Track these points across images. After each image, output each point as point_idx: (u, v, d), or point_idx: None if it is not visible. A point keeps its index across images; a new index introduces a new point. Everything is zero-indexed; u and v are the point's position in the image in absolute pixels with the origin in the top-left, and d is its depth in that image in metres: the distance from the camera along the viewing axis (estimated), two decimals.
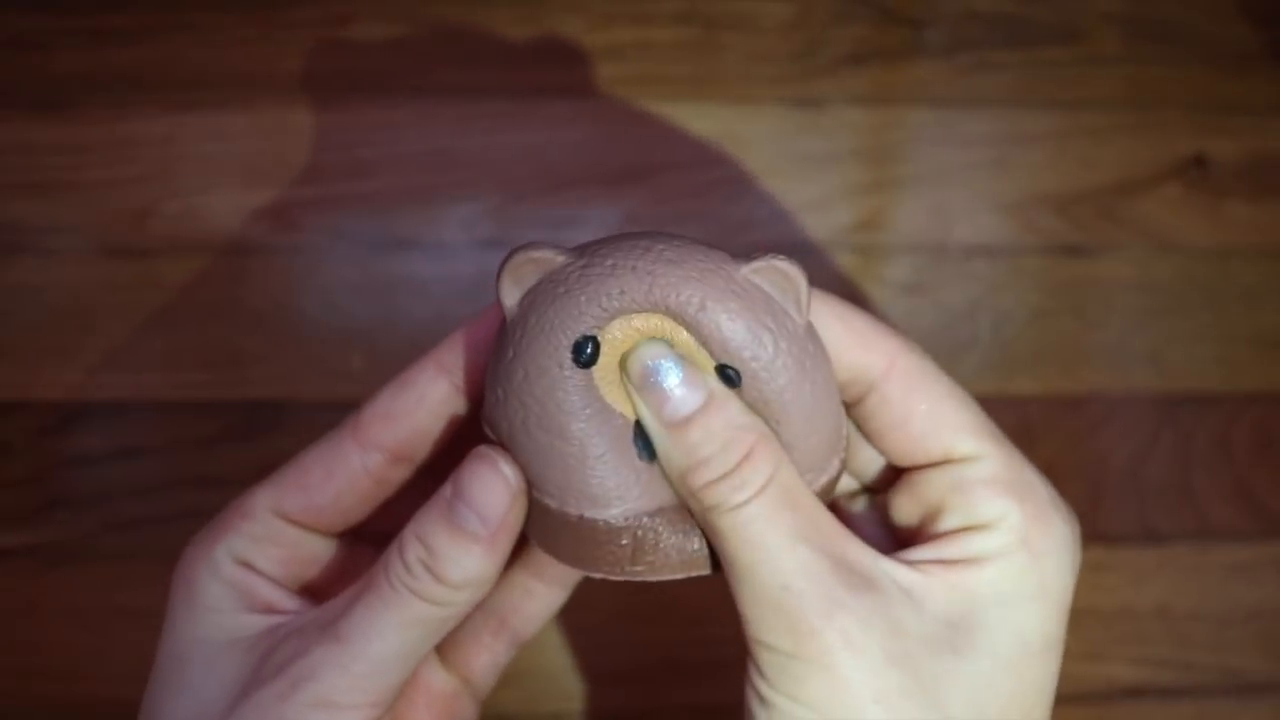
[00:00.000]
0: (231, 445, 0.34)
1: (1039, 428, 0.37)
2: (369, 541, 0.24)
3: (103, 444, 0.34)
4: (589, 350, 0.19)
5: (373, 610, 0.20)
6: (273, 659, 0.20)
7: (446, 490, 0.20)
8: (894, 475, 0.23)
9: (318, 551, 0.23)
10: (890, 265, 0.38)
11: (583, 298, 0.19)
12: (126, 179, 0.36)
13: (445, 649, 0.25)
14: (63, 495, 0.34)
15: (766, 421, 0.20)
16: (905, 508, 0.22)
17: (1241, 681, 0.36)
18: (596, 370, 0.19)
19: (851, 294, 0.37)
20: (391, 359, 0.34)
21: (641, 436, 0.19)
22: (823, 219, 0.38)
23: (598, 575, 0.20)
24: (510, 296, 0.19)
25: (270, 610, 0.21)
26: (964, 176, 0.38)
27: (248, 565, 0.22)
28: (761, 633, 0.19)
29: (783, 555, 0.19)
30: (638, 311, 0.19)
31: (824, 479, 0.20)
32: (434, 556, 0.19)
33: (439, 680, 0.25)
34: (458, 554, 0.19)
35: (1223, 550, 0.37)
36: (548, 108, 0.37)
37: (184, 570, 0.22)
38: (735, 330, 0.19)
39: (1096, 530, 0.37)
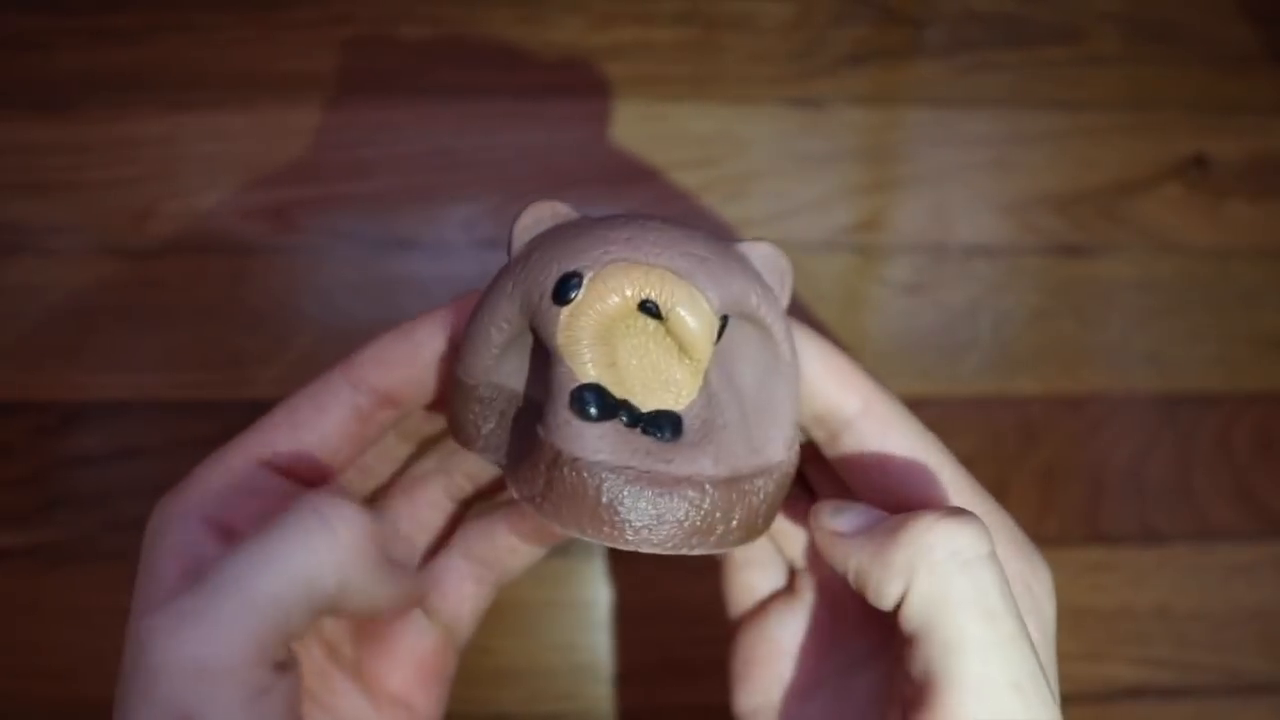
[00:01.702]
0: None
1: (1039, 428, 0.37)
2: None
3: (103, 444, 0.34)
4: (573, 285, 0.18)
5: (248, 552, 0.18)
6: None
7: None
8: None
9: None
10: (890, 265, 0.38)
11: (589, 240, 0.19)
12: (126, 179, 0.36)
13: (431, 600, 0.25)
14: (63, 495, 0.34)
15: (730, 379, 0.20)
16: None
17: (1241, 681, 0.36)
18: (570, 316, 0.19)
19: (851, 294, 0.37)
20: None
21: (586, 396, 0.19)
22: (823, 219, 0.38)
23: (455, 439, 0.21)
24: (521, 238, 0.20)
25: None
26: (964, 176, 0.38)
27: (226, 527, 0.20)
28: None
29: (1020, 648, 0.18)
30: (640, 263, 0.19)
31: (778, 461, 0.20)
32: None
33: (425, 634, 0.25)
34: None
35: (1223, 550, 0.37)
36: (548, 108, 0.37)
37: (152, 539, 0.20)
38: (732, 281, 0.19)
39: (1096, 530, 0.37)
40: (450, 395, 0.21)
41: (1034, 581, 0.21)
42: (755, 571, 0.26)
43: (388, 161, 0.37)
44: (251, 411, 0.22)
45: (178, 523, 0.20)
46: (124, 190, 0.36)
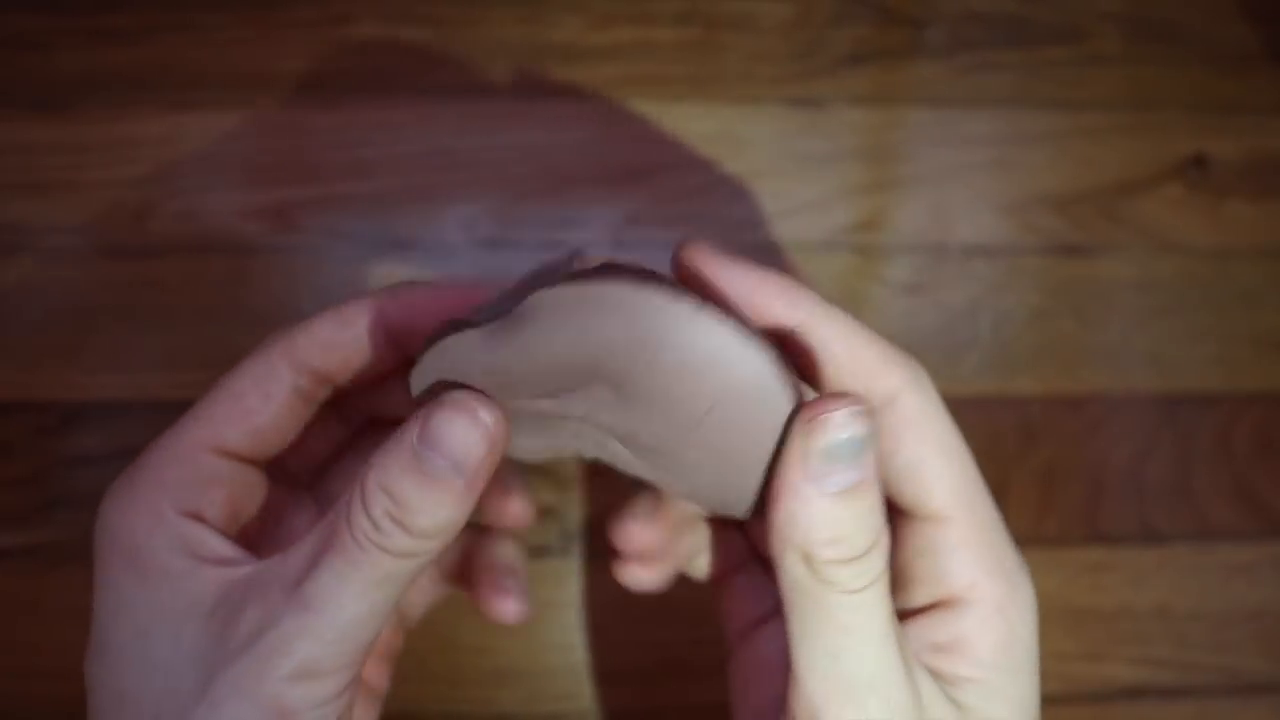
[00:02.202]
0: None
1: (1039, 428, 0.37)
2: (283, 481, 0.24)
3: (102, 444, 0.34)
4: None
5: (340, 574, 0.18)
6: (238, 626, 0.19)
7: (410, 437, 0.18)
8: None
9: (252, 488, 0.22)
10: (890, 265, 0.38)
11: None
12: (126, 179, 0.36)
13: None
14: (63, 495, 0.34)
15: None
16: None
17: (1241, 681, 0.36)
18: None
19: (851, 294, 0.37)
20: None
21: None
22: (823, 219, 0.38)
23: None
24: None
25: (222, 564, 0.20)
26: (964, 176, 0.38)
27: (195, 516, 0.21)
28: None
29: (876, 652, 0.19)
30: None
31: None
32: (403, 508, 0.18)
33: None
34: (430, 504, 0.18)
35: (1223, 550, 0.37)
36: (548, 108, 0.37)
37: (119, 532, 0.20)
38: None
39: (1096, 530, 0.37)
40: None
41: (1009, 605, 0.21)
42: (749, 595, 0.26)
43: (388, 161, 0.37)
44: None
45: (159, 520, 0.20)
46: (124, 190, 0.36)
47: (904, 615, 0.21)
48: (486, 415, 0.18)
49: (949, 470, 0.21)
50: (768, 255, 0.37)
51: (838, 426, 0.18)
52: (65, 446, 0.34)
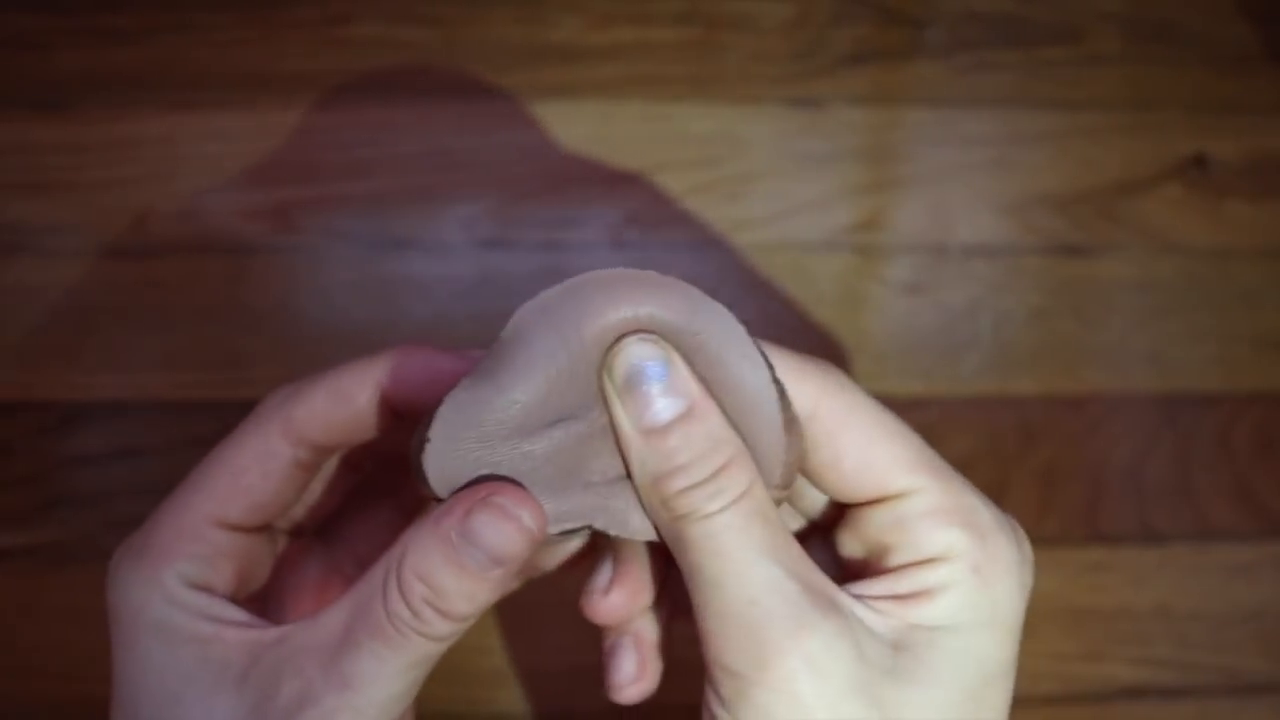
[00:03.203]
0: None
1: (1039, 428, 0.37)
2: (288, 531, 0.24)
3: (103, 444, 0.34)
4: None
5: (380, 656, 0.19)
6: (276, 697, 0.19)
7: (448, 530, 0.18)
8: (839, 511, 0.22)
9: (259, 553, 0.23)
10: (890, 265, 0.38)
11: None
12: (126, 179, 0.36)
13: None
14: (63, 495, 0.34)
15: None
16: (851, 546, 0.22)
17: (1241, 681, 0.36)
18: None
19: (851, 294, 0.37)
20: None
21: None
22: (823, 219, 0.38)
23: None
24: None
25: (244, 627, 0.21)
26: (964, 176, 0.38)
27: (205, 588, 0.21)
28: (723, 653, 0.19)
29: (753, 569, 0.19)
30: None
31: None
32: (441, 597, 0.19)
33: None
34: (468, 592, 0.19)
35: (1223, 550, 0.37)
36: (548, 108, 0.37)
37: (135, 602, 0.21)
38: None
39: (1096, 530, 0.37)
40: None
41: (985, 563, 0.20)
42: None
43: (387, 161, 0.37)
44: (251, 412, 0.22)
45: (166, 592, 0.21)
46: (124, 190, 0.36)
47: (880, 573, 0.21)
48: (530, 520, 0.19)
49: (902, 451, 0.21)
50: (768, 255, 0.37)
51: (629, 352, 0.19)
52: (65, 446, 0.34)
